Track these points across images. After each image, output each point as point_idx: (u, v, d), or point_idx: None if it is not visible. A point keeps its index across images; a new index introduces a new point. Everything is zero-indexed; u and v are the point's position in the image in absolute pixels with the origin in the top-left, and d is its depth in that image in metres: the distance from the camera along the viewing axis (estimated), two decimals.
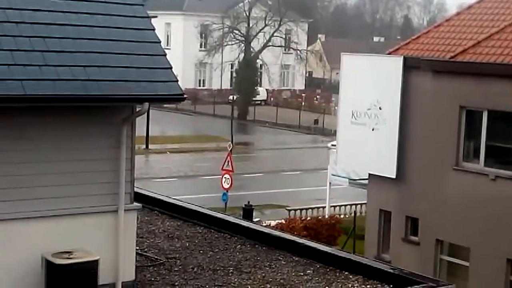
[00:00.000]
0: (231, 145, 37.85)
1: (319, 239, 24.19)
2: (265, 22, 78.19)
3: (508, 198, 19.53)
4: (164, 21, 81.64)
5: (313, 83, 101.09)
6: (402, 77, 22.41)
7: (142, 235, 13.77)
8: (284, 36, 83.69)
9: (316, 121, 68.02)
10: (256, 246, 13.46)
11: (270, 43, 78.98)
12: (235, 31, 77.66)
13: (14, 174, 9.71)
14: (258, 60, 78.66)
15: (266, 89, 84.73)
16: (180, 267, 12.24)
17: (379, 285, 11.66)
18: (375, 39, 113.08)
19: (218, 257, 12.81)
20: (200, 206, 15.88)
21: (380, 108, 23.14)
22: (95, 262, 9.85)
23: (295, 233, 22.79)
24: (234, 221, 14.57)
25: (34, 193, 9.86)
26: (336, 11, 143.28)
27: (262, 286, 11.51)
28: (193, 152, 53.44)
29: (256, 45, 78.65)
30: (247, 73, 75.40)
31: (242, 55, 77.36)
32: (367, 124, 23.48)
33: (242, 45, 77.82)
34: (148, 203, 15.34)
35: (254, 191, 40.35)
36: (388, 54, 24.13)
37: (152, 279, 11.62)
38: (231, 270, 12.15)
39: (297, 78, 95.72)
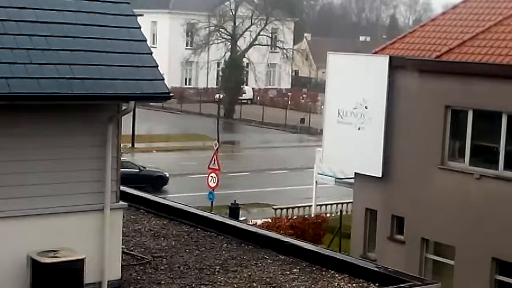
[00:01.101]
0: (218, 144, 37.80)
1: (305, 238, 24.22)
2: (251, 21, 78.19)
3: (493, 197, 19.63)
4: (150, 20, 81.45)
5: (299, 82, 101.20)
6: (388, 76, 22.48)
7: (128, 234, 13.73)
8: (270, 35, 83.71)
9: (302, 120, 68.12)
10: (242, 245, 13.46)
11: (256, 42, 79.00)
12: (221, 29, 77.60)
13: None
14: (244, 59, 78.65)
15: (253, 88, 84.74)
16: (166, 266, 12.22)
17: (365, 283, 11.69)
18: (361, 38, 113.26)
19: (204, 256, 12.80)
20: (186, 205, 15.87)
21: (366, 107, 23.21)
22: (81, 261, 9.82)
23: (281, 232, 22.80)
24: (220, 220, 14.57)
25: (18, 191, 9.82)
26: (322, 10, 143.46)
27: (249, 285, 11.51)
28: (179, 151, 53.39)
29: (242, 44, 78.65)
30: (233, 72, 75.37)
31: (228, 53, 77.33)
32: (353, 123, 23.55)
33: (228, 43, 77.79)
34: (134, 201, 15.31)
35: (240, 190, 40.36)
36: (374, 53, 24.20)
37: (138, 278, 11.60)
38: (217, 269, 12.15)
39: (283, 77, 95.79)
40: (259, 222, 28.25)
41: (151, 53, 10.53)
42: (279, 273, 12.09)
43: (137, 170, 40.26)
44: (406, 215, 22.16)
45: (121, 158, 37.10)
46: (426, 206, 21.26)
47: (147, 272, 11.86)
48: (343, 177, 27.96)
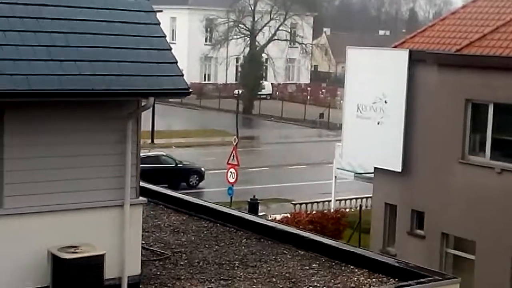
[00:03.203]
0: (237, 139, 37.82)
1: (325, 233, 24.18)
2: (270, 16, 78.05)
3: None
4: (169, 16, 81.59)
5: (319, 77, 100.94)
6: (408, 70, 22.37)
7: (148, 229, 13.79)
8: (289, 30, 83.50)
9: (321, 115, 67.94)
10: (262, 240, 13.47)
11: (276, 37, 78.86)
12: (240, 25, 77.55)
13: (20, 169, 9.73)
14: (263, 54, 78.56)
15: (272, 83, 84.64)
16: (185, 261, 12.26)
17: (384, 278, 11.67)
18: (381, 32, 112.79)
19: (223, 251, 12.83)
20: (205, 200, 15.90)
21: (385, 102, 23.11)
22: (101, 257, 9.87)
23: (301, 227, 22.81)
24: (239, 215, 14.59)
25: (39, 187, 9.88)
26: (342, 4, 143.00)
27: (268, 280, 11.52)
28: (198, 147, 53.47)
29: (261, 39, 78.54)
30: (253, 67, 75.32)
31: (247, 49, 77.27)
32: (372, 117, 23.46)
33: (248, 39, 77.72)
34: (154, 197, 15.36)
35: (259, 185, 40.35)
36: (394, 47, 24.09)
37: (158, 273, 11.65)
38: (236, 264, 12.17)
39: (302, 72, 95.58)
40: (278, 217, 28.24)
41: (171, 49, 10.54)
42: (299, 268, 12.09)
43: (173, 165, 40.02)
44: (426, 210, 22.07)
45: (159, 152, 37.69)
46: (446, 200, 21.16)
47: (167, 268, 11.90)
48: (363, 172, 27.87)
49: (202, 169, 41.39)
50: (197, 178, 40.84)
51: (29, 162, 9.80)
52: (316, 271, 11.96)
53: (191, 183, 40.07)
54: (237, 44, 77.31)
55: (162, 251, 12.67)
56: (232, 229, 14.07)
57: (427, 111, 21.98)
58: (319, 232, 23.08)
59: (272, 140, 57.99)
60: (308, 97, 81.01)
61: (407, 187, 22.69)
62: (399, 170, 22.71)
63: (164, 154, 41.51)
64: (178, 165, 40.39)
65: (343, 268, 12.14)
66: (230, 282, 11.38)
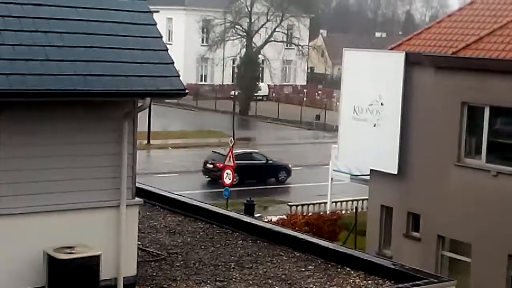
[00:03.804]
0: (233, 140, 37.90)
1: (321, 235, 24.16)
2: (267, 17, 78.07)
3: (510, 195, 19.51)
4: (165, 16, 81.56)
5: (315, 78, 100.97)
6: (404, 72, 22.38)
7: (144, 230, 13.77)
8: (285, 32, 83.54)
9: (317, 117, 67.98)
10: (258, 241, 13.46)
11: (272, 39, 78.85)
12: (237, 26, 77.55)
13: (15, 169, 9.71)
14: (259, 56, 78.55)
15: (268, 85, 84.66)
16: (181, 262, 12.24)
17: (380, 280, 11.67)
18: (377, 34, 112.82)
19: (219, 252, 12.82)
20: (201, 202, 15.89)
21: (382, 104, 23.12)
22: (97, 257, 9.85)
23: (297, 228, 22.78)
24: (235, 217, 14.58)
25: (35, 188, 9.86)
26: (338, 6, 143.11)
27: (264, 282, 11.51)
28: (194, 148, 53.41)
29: (257, 40, 78.53)
30: (249, 68, 75.33)
31: (243, 50, 77.26)
32: (368, 120, 23.47)
33: (244, 40, 77.72)
34: (150, 198, 15.35)
35: (255, 187, 40.34)
36: (390, 49, 24.12)
37: (154, 274, 11.63)
38: (232, 266, 12.16)
39: (298, 73, 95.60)
40: (274, 218, 28.21)
41: (167, 49, 10.53)
42: (294, 269, 12.08)
43: (264, 162, 42.54)
44: (422, 212, 22.07)
45: (250, 150, 39.34)
46: (442, 203, 21.17)
47: (163, 269, 11.89)
48: (359, 174, 27.90)
49: (289, 165, 44.04)
50: (285, 174, 43.46)
51: (25, 162, 9.77)
52: (312, 273, 11.95)
53: (279, 178, 42.92)
54: (233, 45, 77.31)
55: (158, 252, 12.66)
56: (228, 230, 14.06)
57: (423, 113, 22.00)
58: (315, 234, 23.06)
59: (268, 142, 57.95)
60: (305, 98, 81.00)
61: (403, 190, 22.70)
62: (395, 172, 22.71)
63: (256, 151, 44.86)
64: (268, 162, 43.05)
65: (339, 270, 12.13)
66: (226, 283, 11.37)
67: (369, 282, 11.64)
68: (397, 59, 22.61)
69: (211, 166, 41.81)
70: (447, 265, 21.49)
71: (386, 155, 22.90)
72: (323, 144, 52.33)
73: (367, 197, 26.09)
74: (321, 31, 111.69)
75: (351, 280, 11.68)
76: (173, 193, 16.60)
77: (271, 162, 43.26)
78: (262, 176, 42.28)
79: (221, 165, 38.13)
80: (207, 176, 42.17)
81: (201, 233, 13.93)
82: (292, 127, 66.76)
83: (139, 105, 10.34)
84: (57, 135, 9.99)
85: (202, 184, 41.24)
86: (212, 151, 43.78)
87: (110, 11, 10.52)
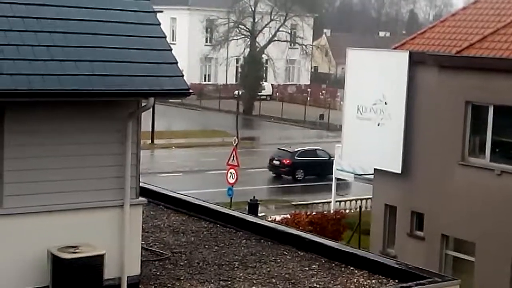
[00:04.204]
0: (237, 140, 37.91)
1: (325, 234, 24.15)
2: (270, 17, 78.08)
3: None
4: (169, 16, 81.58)
5: (319, 78, 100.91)
6: (408, 72, 22.38)
7: (148, 229, 13.79)
8: (289, 31, 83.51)
9: (321, 116, 67.95)
10: (262, 241, 13.47)
11: (276, 38, 78.87)
12: (240, 26, 77.57)
13: (20, 168, 9.73)
14: (263, 55, 78.56)
15: (272, 84, 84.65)
16: (185, 261, 12.25)
17: (384, 280, 11.66)
18: (381, 34, 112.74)
19: (223, 251, 12.82)
20: (205, 201, 15.90)
21: (385, 103, 23.12)
22: (101, 257, 9.87)
23: (300, 228, 22.79)
24: (239, 216, 14.59)
25: (39, 187, 9.88)
26: (342, 5, 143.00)
27: (268, 281, 11.52)
28: (198, 147, 53.46)
29: (261, 40, 78.55)
30: (253, 68, 75.33)
31: (247, 50, 77.28)
32: (372, 119, 23.47)
33: (248, 40, 77.73)
34: (154, 197, 15.36)
35: (259, 186, 40.35)
36: (394, 49, 24.11)
37: (158, 273, 11.65)
38: (236, 265, 12.17)
39: (302, 73, 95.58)
40: (278, 218, 28.24)
41: (171, 49, 10.54)
42: (298, 269, 12.09)
43: (327, 158, 42.99)
44: (426, 211, 22.06)
45: (314, 147, 40.27)
46: (446, 202, 21.15)
47: (167, 268, 11.90)
48: (363, 173, 27.90)
49: None
50: None
51: (29, 161, 9.80)
52: (316, 272, 11.96)
53: None
54: (237, 45, 77.32)
55: (161, 252, 12.67)
56: (232, 230, 14.07)
57: (427, 112, 21.98)
58: (319, 233, 23.06)
59: (272, 141, 57.94)
60: (308, 98, 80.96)
61: (407, 189, 22.69)
62: (399, 171, 22.70)
63: (320, 148, 45.73)
64: (331, 158, 42.93)
65: (343, 269, 12.13)
66: (229, 282, 11.38)
67: (373, 281, 11.64)
68: (401, 59, 22.59)
69: (277, 162, 44.06)
70: (451, 264, 21.47)
71: (390, 154, 22.89)
72: (327, 144, 52.31)
73: (371, 196, 26.08)
74: (325, 30, 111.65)
75: (355, 279, 11.69)
76: (177, 192, 16.60)
77: (333, 158, 43.61)
78: (324, 172, 42.30)
79: (287, 161, 42.83)
80: (272, 172, 44.54)
81: (205, 233, 13.94)
82: (296, 127, 66.76)
83: (143, 105, 10.34)
84: (61, 135, 10.00)
85: (206, 184, 41.20)
86: (278, 148, 46.03)
87: (114, 11, 10.54)
